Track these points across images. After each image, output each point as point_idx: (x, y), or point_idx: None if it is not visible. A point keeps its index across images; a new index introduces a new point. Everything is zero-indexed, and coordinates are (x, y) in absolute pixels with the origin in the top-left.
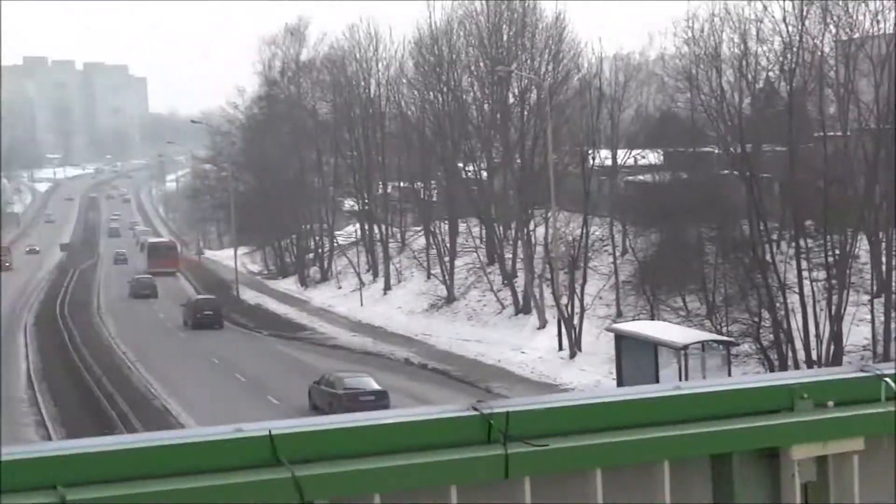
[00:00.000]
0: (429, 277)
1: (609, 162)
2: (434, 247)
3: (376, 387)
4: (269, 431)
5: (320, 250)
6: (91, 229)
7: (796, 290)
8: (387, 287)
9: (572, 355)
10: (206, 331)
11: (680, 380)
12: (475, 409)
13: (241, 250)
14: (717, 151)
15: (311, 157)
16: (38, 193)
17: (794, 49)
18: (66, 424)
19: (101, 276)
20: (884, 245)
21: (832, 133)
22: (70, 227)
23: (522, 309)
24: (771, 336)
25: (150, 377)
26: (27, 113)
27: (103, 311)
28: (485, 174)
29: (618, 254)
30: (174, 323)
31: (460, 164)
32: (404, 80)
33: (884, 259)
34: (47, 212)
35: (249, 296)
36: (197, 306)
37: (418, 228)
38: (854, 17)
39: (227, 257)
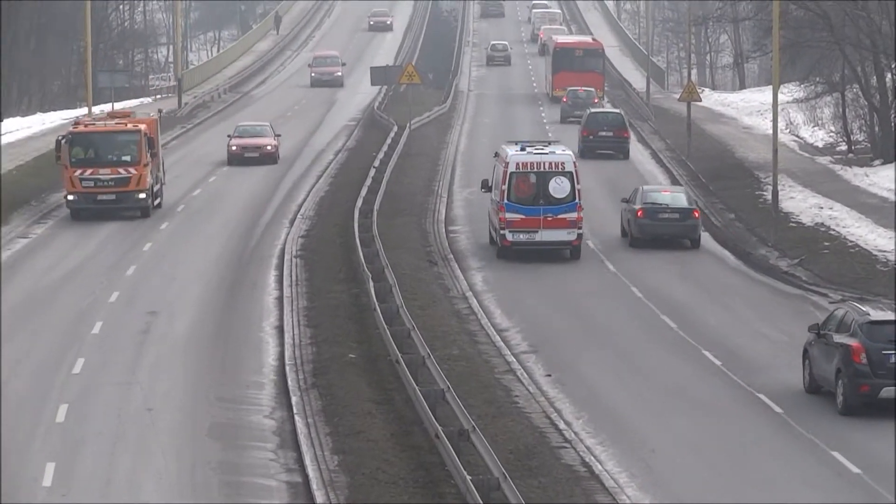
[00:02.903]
0: None
1: None
2: None
3: (684, 204)
4: None
5: None
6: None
7: None
8: None
9: None
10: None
11: None
12: None
13: (787, 93)
14: None
15: None
16: None
17: None
18: (354, 494)
19: (458, 140)
20: None
21: None
22: (398, 28)
23: None
24: None
25: (560, 395)
26: None
27: (456, 211)
28: None
29: None
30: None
31: None
32: None
33: None
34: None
35: (802, 203)
36: (589, 122)
37: None
38: None
39: (751, 108)
